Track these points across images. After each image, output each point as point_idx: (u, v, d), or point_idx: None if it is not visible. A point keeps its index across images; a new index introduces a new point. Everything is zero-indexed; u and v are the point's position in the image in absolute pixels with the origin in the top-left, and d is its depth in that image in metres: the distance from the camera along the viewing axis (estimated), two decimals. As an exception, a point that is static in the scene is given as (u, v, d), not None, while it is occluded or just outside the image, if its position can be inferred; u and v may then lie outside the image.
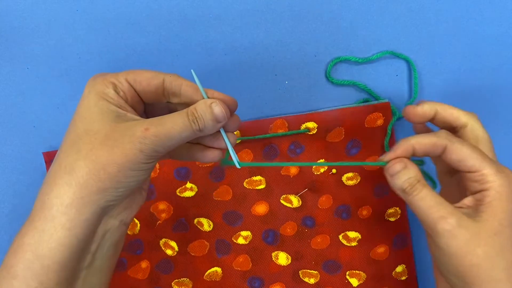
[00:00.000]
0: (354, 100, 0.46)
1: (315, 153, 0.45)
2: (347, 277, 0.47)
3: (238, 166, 0.33)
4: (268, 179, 0.46)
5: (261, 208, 0.46)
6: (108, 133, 0.28)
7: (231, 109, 0.32)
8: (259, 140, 0.45)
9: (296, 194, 0.46)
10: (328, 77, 0.45)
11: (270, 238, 0.46)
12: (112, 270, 0.32)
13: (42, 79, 0.44)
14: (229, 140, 0.32)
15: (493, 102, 0.47)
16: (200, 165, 0.45)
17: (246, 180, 0.46)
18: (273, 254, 0.46)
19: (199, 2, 0.44)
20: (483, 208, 0.31)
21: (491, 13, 0.46)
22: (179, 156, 0.33)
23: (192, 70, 0.31)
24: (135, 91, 0.30)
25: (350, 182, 0.46)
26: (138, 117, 0.30)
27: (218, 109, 0.29)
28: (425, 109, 0.35)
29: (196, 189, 0.45)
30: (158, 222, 0.45)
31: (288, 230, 0.46)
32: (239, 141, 0.45)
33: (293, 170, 0.46)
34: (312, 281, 0.47)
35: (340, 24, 0.45)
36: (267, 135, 0.45)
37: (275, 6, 0.45)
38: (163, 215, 0.45)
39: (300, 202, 0.46)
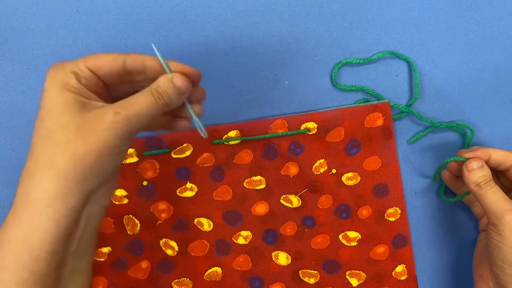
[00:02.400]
0: (354, 100, 0.46)
1: (315, 153, 0.45)
2: (347, 277, 0.47)
3: (204, 136, 0.35)
4: (268, 179, 0.46)
5: (261, 208, 0.46)
6: (79, 124, 0.28)
7: (194, 80, 0.33)
8: (259, 140, 0.45)
9: (296, 194, 0.46)
10: (334, 84, 0.45)
11: (270, 238, 0.46)
12: (94, 249, 0.33)
13: (42, 79, 0.44)
14: (193, 111, 0.34)
15: (493, 102, 0.47)
16: (200, 165, 0.45)
17: (246, 180, 0.46)
18: (273, 254, 0.46)
19: (199, 2, 0.44)
20: None
21: (491, 13, 0.46)
22: (150, 129, 0.35)
23: (152, 44, 0.32)
24: (97, 76, 0.30)
25: (350, 182, 0.46)
26: (102, 103, 0.30)
27: (180, 82, 0.31)
28: (478, 154, 0.41)
29: (196, 189, 0.45)
30: (158, 222, 0.45)
31: (288, 230, 0.46)
32: (238, 141, 0.45)
33: (293, 170, 0.46)
34: (312, 281, 0.47)
35: (340, 24, 0.45)
36: (267, 135, 0.45)
37: (275, 6, 0.45)
38: (163, 215, 0.45)
39: (300, 202, 0.46)
